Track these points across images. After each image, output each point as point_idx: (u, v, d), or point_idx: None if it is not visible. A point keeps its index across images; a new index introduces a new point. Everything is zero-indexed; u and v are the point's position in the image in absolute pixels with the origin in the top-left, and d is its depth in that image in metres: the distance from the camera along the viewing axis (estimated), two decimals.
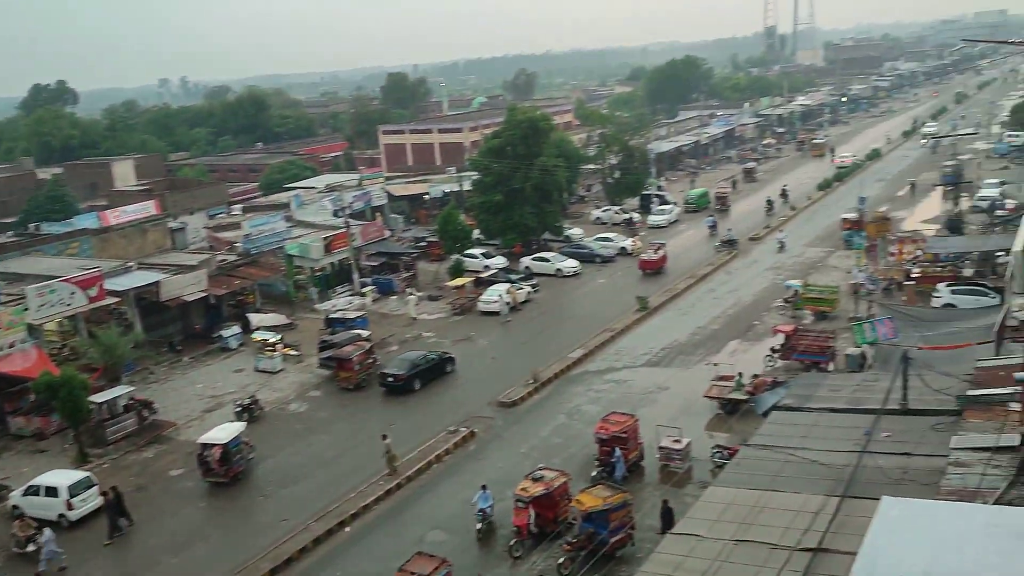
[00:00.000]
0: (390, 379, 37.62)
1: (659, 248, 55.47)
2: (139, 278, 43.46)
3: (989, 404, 22.37)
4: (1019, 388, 20.17)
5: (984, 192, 62.54)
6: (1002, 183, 65.37)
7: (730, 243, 57.62)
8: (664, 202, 70.99)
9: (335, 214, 58.69)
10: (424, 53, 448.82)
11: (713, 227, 61.99)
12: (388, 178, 75.91)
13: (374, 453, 30.63)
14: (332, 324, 44.70)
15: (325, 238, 52.36)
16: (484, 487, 26.25)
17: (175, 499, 29.96)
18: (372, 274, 53.76)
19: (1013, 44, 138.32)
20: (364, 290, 51.23)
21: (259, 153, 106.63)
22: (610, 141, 73.44)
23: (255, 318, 46.07)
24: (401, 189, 72.08)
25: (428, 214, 70.35)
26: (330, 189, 66.35)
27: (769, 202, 69.41)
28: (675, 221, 67.26)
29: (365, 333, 42.40)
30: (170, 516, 28.78)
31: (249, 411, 35.55)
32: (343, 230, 52.87)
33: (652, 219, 66.98)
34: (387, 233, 60.32)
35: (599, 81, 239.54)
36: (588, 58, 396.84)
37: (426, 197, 71.92)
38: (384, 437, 30.53)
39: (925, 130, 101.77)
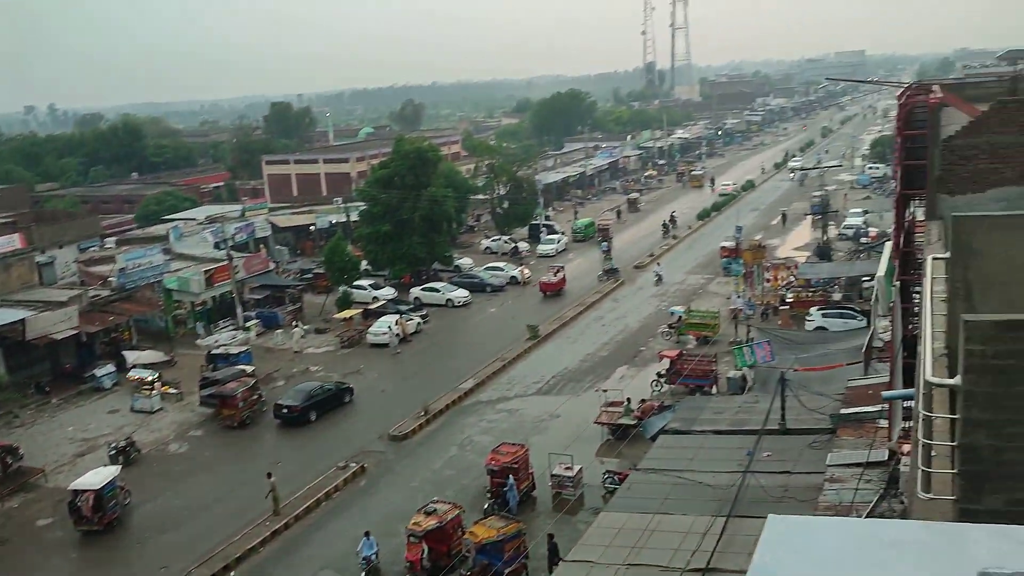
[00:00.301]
0: (285, 410, 36.65)
1: (558, 271, 57.58)
2: (1, 316, 40.84)
3: (860, 422, 23.48)
4: (886, 406, 21.23)
5: (849, 221, 66.33)
6: (865, 212, 69.52)
7: (612, 272, 58.83)
8: (552, 232, 72.09)
9: (216, 246, 56.94)
10: (309, 82, 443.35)
11: (607, 252, 64.05)
12: (272, 209, 74.30)
13: (260, 493, 29.54)
14: (214, 360, 43.13)
15: (206, 271, 50.68)
16: (367, 534, 25.36)
17: (43, 551, 28.03)
18: (256, 307, 52.28)
19: (871, 83, 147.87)
20: (248, 324, 49.71)
21: (135, 184, 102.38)
22: (498, 172, 74.19)
23: (131, 356, 44.00)
24: (286, 220, 70.62)
25: (314, 245, 69.17)
26: (211, 221, 64.32)
27: (665, 225, 73.43)
28: (563, 250, 68.33)
29: (249, 369, 41.11)
30: (38, 571, 26.88)
31: (125, 454, 33.74)
32: (225, 263, 51.29)
33: (541, 248, 67.84)
34: (272, 265, 58.89)
35: (486, 113, 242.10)
36: (474, 90, 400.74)
37: (312, 228, 70.72)
38: (269, 476, 29.52)
39: (792, 164, 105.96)
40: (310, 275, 59.70)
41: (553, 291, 55.48)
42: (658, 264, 60.39)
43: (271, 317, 51.08)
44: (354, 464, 32.27)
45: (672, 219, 75.23)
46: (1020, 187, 14.67)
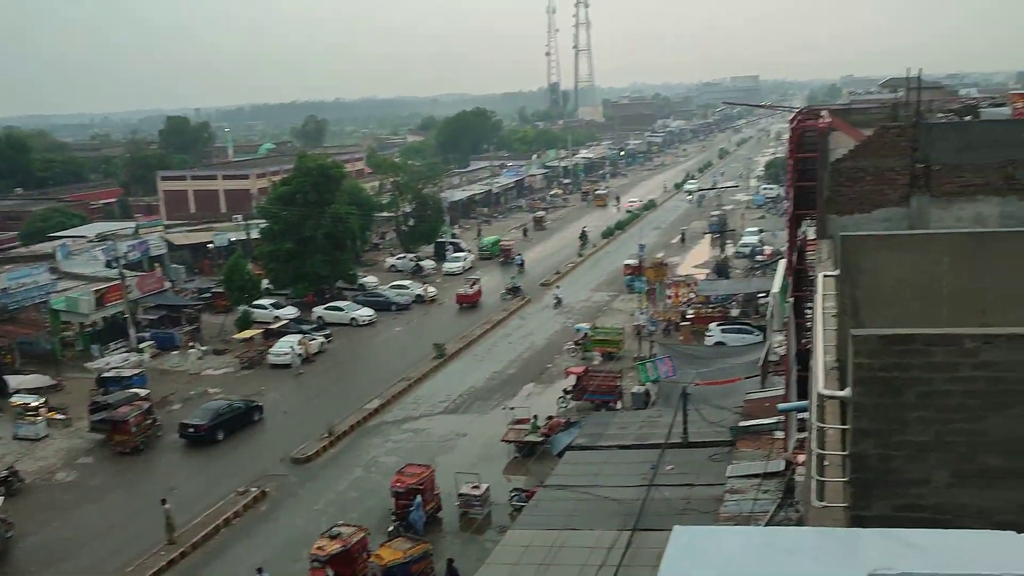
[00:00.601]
0: (191, 430, 35.64)
1: (474, 283, 58.65)
2: None
3: (757, 434, 24.20)
4: (782, 418, 21.96)
5: (746, 239, 68.65)
6: (760, 231, 72.12)
7: (515, 290, 59.09)
8: (458, 249, 72.07)
9: (108, 265, 54.65)
10: (207, 97, 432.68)
11: (521, 265, 66.21)
12: (168, 226, 71.84)
13: (155, 521, 28.32)
14: (105, 384, 41.27)
15: (97, 291, 48.55)
16: (260, 570, 24.47)
17: None
18: (151, 328, 50.36)
19: (764, 107, 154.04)
20: (142, 346, 47.80)
21: (19, 199, 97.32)
22: (403, 189, 73.77)
23: (14, 380, 41.69)
24: (183, 238, 68.36)
25: (213, 264, 67.18)
26: (102, 238, 61.70)
27: (582, 237, 75.62)
28: (469, 268, 68.37)
29: (143, 392, 39.53)
30: None
31: (7, 484, 31.82)
32: (117, 282, 49.27)
33: (447, 266, 67.68)
34: (167, 284, 56.90)
35: (391, 130, 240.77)
36: (379, 107, 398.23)
37: (210, 246, 68.68)
38: (163, 502, 28.36)
39: (687, 187, 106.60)
40: (208, 294, 57.92)
41: (469, 303, 56.75)
42: (557, 287, 59.90)
43: (167, 338, 49.28)
44: (255, 488, 31.33)
45: (584, 234, 77.47)
46: (902, 208, 15.47)
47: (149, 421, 36.42)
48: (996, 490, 6.55)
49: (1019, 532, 5.20)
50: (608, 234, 79.83)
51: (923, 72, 18.36)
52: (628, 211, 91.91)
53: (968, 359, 6.38)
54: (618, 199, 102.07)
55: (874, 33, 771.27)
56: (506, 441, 33.50)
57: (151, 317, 51.60)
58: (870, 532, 5.44)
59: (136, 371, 42.88)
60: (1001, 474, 6.51)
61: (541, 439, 32.50)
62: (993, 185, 15.16)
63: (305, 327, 50.20)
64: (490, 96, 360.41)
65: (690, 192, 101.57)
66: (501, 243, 72.36)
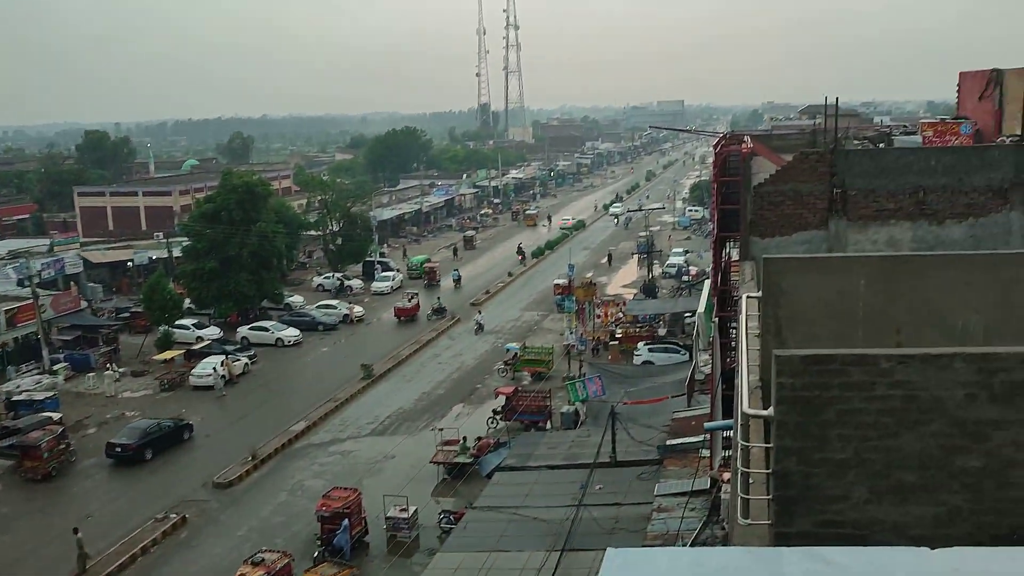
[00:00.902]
0: (118, 449, 34.86)
1: (412, 297, 59.66)
2: None
3: (684, 452, 24.55)
4: (708, 437, 22.32)
5: (672, 260, 69.92)
6: (686, 252, 73.58)
7: (439, 311, 58.47)
8: (387, 269, 71.53)
9: (20, 283, 52.56)
10: (128, 111, 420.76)
11: (458, 280, 67.90)
12: (85, 244, 69.56)
13: (67, 551, 27.16)
14: (16, 407, 39.59)
15: (8, 310, 46.62)
16: None
17: None
18: (66, 349, 48.53)
19: (689, 131, 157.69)
20: (55, 368, 45.98)
21: None
22: (332, 208, 73.02)
23: None
24: (101, 256, 66.29)
25: (132, 282, 65.26)
26: (14, 256, 59.40)
27: (519, 252, 78.02)
28: (399, 287, 67.90)
29: (56, 416, 38.04)
30: None
31: None
32: (29, 301, 47.39)
33: (376, 285, 67.07)
34: (83, 304, 54.97)
35: (319, 148, 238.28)
36: (307, 124, 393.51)
37: (130, 264, 66.73)
38: (75, 531, 27.22)
39: (612, 209, 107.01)
40: (127, 314, 56.21)
41: (407, 316, 57.69)
42: (479, 312, 57.98)
43: (82, 359, 47.54)
44: (174, 515, 30.34)
45: (520, 249, 79.33)
46: (821, 231, 15.96)
47: (62, 446, 34.99)
48: (910, 505, 6.75)
49: (932, 547, 5.37)
50: (538, 254, 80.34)
51: (839, 100, 19.04)
52: (561, 228, 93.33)
53: (884, 378, 6.57)
54: (549, 218, 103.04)
55: (794, 62, 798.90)
56: (435, 463, 33.21)
57: (66, 338, 49.79)
58: (792, 551, 5.55)
59: (49, 394, 41.25)
60: (914, 489, 6.71)
61: (470, 460, 32.33)
62: (905, 210, 15.77)
63: (228, 348, 49.05)
64: (420, 115, 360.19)
65: (616, 215, 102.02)
66: (426, 265, 71.68)
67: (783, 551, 5.55)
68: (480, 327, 54.83)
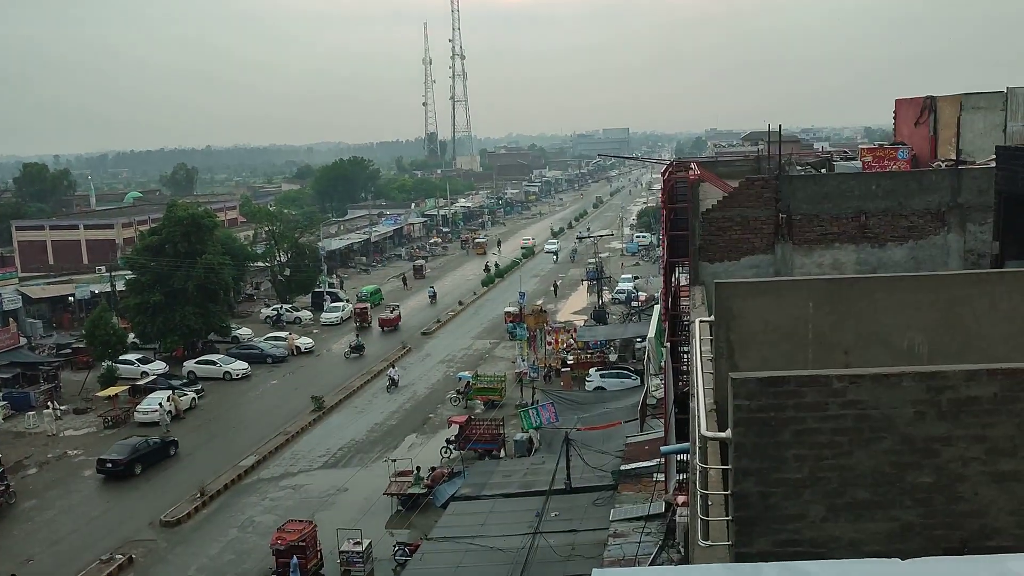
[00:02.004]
0: (108, 465, 36.60)
1: (394, 309, 64.63)
2: None
3: (639, 477, 24.68)
4: (662, 461, 22.49)
5: (621, 286, 70.54)
6: (635, 278, 74.35)
7: (358, 348, 56.48)
8: (336, 299, 70.88)
9: None
10: (67, 143, 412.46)
11: (433, 296, 72.49)
12: (23, 279, 67.71)
13: None
14: None
15: None
16: None
17: None
18: (4, 388, 47.02)
19: (636, 159, 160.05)
20: None
21: None
22: (279, 239, 72.27)
23: None
24: (40, 291, 64.59)
25: (74, 317, 63.64)
26: None
27: (485, 269, 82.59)
28: (348, 318, 67.31)
29: None
30: None
31: None
32: None
33: (325, 316, 66.38)
34: (22, 341, 53.42)
35: (265, 178, 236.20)
36: (252, 155, 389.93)
37: (71, 299, 65.09)
38: None
39: (547, 247, 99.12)
40: (69, 350, 54.73)
41: (391, 327, 62.60)
42: (392, 367, 50.98)
43: (22, 398, 46.08)
44: (119, 556, 29.44)
45: (487, 266, 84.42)
46: (768, 255, 16.32)
47: (1, 488, 33.80)
48: (865, 522, 6.90)
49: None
50: (489, 282, 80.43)
51: (781, 127, 19.58)
52: (522, 248, 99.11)
53: (836, 398, 6.73)
54: (499, 243, 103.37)
55: (736, 89, 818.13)
56: (388, 494, 32.83)
57: (4, 376, 48.24)
58: (771, 566, 5.68)
59: None
60: (869, 506, 6.87)
61: (424, 491, 32.03)
62: (848, 233, 16.22)
63: (175, 382, 48.03)
64: (367, 145, 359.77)
65: (555, 253, 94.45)
66: (357, 305, 67.30)
67: (762, 567, 5.68)
68: (393, 383, 48.61)
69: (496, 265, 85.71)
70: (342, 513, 32.27)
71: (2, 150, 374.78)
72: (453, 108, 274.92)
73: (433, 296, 73.04)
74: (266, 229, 74.98)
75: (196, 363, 52.16)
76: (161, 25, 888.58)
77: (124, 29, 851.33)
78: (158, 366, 51.52)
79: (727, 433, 7.09)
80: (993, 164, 14.73)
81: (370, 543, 28.42)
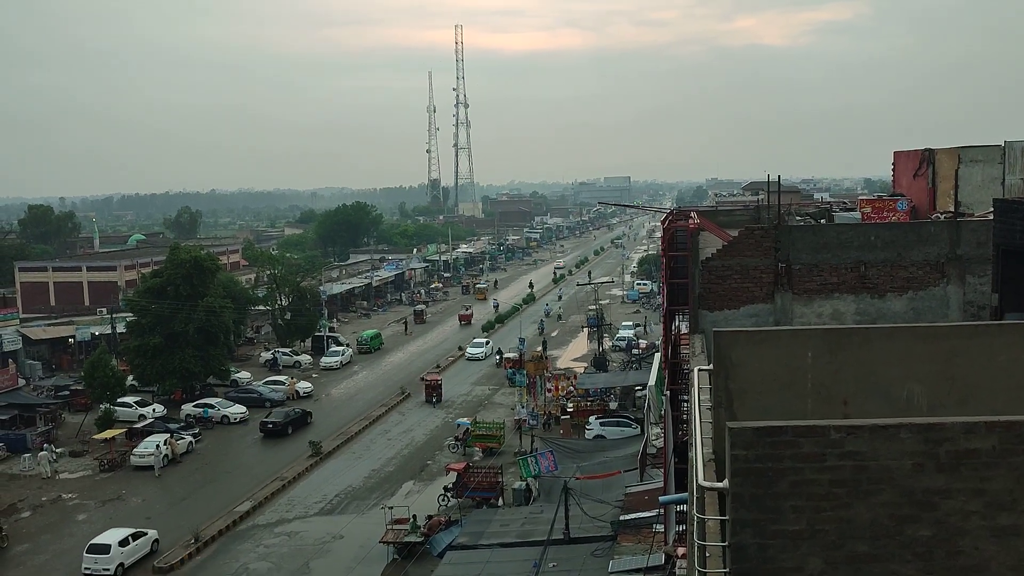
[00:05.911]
0: (270, 426, 44.16)
1: (468, 308, 72.01)
2: None
3: (638, 527, 24.38)
4: (662, 511, 22.24)
5: (622, 333, 70.40)
6: (636, 325, 74.24)
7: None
8: (337, 343, 70.81)
9: None
10: (73, 186, 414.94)
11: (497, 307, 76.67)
12: (25, 320, 67.76)
13: None
14: None
15: None
16: None
17: None
18: (1, 429, 46.72)
19: (637, 208, 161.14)
20: None
21: None
22: (281, 282, 72.45)
23: None
24: (41, 332, 64.57)
25: (73, 359, 63.52)
26: None
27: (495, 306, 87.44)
28: (348, 362, 67.12)
29: None
30: None
31: None
32: None
33: (325, 360, 66.23)
34: (21, 382, 53.28)
35: (268, 222, 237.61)
36: (257, 199, 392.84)
37: (71, 341, 65.04)
38: None
39: (542, 307, 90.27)
40: (67, 392, 54.52)
41: (466, 321, 78.69)
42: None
43: (18, 439, 45.77)
44: None
45: (497, 304, 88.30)
46: (767, 304, 16.33)
47: None
48: None
49: None
50: (489, 328, 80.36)
51: (780, 177, 19.75)
52: (530, 288, 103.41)
53: (834, 449, 6.69)
54: (495, 283, 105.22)
55: (737, 140, 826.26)
56: (385, 542, 32.40)
57: (2, 417, 47.96)
58: None
59: None
60: (867, 560, 6.78)
61: (421, 539, 31.62)
62: (848, 284, 16.25)
63: (172, 426, 47.75)
64: (370, 191, 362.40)
65: (547, 313, 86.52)
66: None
67: None
68: (316, 447, 44.29)
69: (495, 307, 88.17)
70: (337, 561, 31.86)
71: (8, 192, 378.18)
72: (456, 155, 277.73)
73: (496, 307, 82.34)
74: (268, 273, 75.19)
75: (194, 406, 51.88)
76: (171, 68, 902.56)
77: (131, 80, 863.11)
78: (156, 409, 51.29)
79: (724, 483, 7.03)
80: (991, 216, 14.83)
81: None
